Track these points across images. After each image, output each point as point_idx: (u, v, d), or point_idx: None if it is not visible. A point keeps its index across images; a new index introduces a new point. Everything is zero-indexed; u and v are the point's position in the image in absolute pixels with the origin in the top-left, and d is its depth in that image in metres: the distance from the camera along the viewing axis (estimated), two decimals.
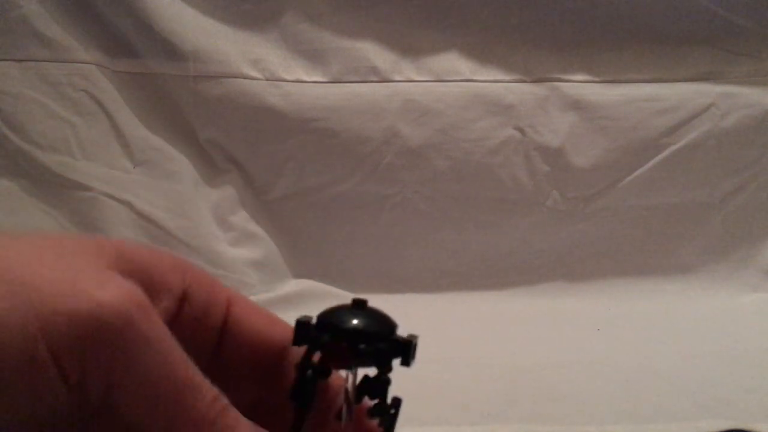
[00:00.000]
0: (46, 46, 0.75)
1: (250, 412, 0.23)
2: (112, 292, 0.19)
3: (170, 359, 0.20)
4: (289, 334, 0.24)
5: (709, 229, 0.80)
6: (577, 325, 0.69)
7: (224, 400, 0.21)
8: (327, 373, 0.24)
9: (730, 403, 0.48)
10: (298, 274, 0.79)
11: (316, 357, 0.24)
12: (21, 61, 0.75)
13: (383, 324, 0.24)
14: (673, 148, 0.78)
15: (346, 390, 0.24)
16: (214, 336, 0.26)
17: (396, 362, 0.24)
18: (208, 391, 0.21)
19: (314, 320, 0.24)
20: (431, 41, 0.78)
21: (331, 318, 0.24)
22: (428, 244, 0.79)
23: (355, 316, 0.23)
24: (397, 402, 0.25)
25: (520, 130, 0.78)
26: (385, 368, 0.24)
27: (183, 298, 0.25)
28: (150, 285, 0.23)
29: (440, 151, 0.78)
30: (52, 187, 0.74)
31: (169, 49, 0.75)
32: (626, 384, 0.51)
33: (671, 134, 0.78)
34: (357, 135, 0.77)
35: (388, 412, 0.25)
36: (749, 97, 0.78)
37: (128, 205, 0.74)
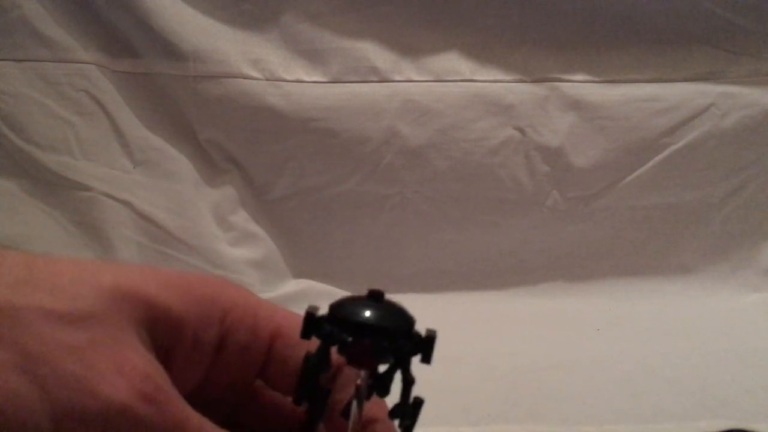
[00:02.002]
0: (46, 46, 0.75)
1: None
2: (122, 389, 0.21)
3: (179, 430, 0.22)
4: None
5: (709, 229, 0.80)
6: (577, 325, 0.69)
7: None
8: (328, 366, 0.23)
9: (730, 403, 0.48)
10: (298, 274, 0.79)
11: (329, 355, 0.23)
12: (21, 61, 0.75)
13: (403, 319, 0.22)
14: (673, 148, 0.78)
15: (358, 387, 0.23)
16: (255, 369, 0.26)
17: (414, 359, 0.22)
18: None
19: (324, 311, 0.22)
20: (431, 41, 0.78)
21: (349, 312, 0.22)
22: (428, 244, 0.79)
23: (374, 310, 0.22)
24: (418, 403, 0.23)
25: (520, 130, 0.78)
26: (406, 369, 0.22)
27: (221, 345, 0.25)
28: (181, 340, 0.24)
29: (440, 151, 0.78)
30: (52, 187, 0.74)
31: (169, 49, 0.75)
32: (626, 384, 0.51)
33: (671, 134, 0.78)
34: (357, 135, 0.77)
35: (410, 413, 0.23)
36: (749, 97, 0.78)
37: (128, 205, 0.74)
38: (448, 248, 0.79)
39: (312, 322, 0.22)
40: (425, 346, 0.22)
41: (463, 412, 0.46)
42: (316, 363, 0.22)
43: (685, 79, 0.78)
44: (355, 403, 0.23)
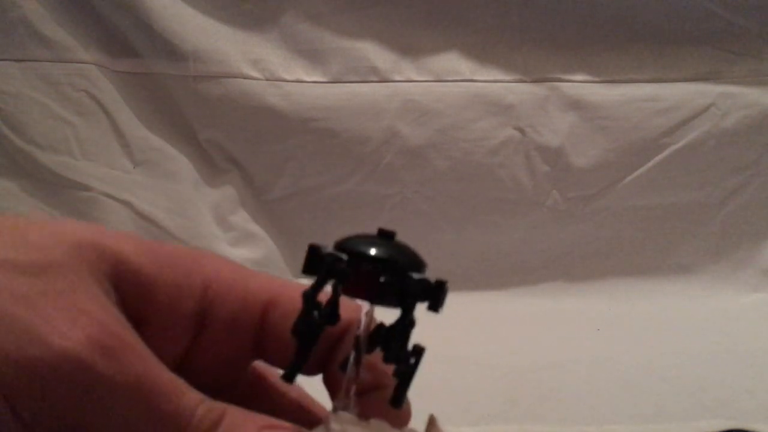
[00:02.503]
0: (46, 46, 0.75)
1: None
2: (72, 338, 0.19)
3: (141, 392, 0.20)
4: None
5: (709, 229, 0.80)
6: (577, 325, 0.69)
7: (216, 411, 0.21)
8: (335, 319, 0.21)
9: (730, 403, 0.48)
10: (298, 274, 0.79)
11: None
12: (21, 61, 0.75)
13: (413, 258, 0.21)
14: (673, 148, 0.78)
15: (357, 337, 0.21)
16: (248, 345, 0.25)
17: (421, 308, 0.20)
18: (195, 410, 0.20)
19: (329, 248, 0.21)
20: (431, 41, 0.78)
21: (352, 244, 0.21)
22: (428, 244, 0.79)
23: (381, 246, 0.20)
24: (418, 351, 0.21)
25: (520, 130, 0.78)
26: (409, 309, 0.20)
27: (204, 318, 0.24)
28: (154, 306, 0.22)
29: (440, 151, 0.78)
30: (52, 187, 0.74)
31: (169, 49, 0.75)
32: (626, 384, 0.51)
33: (671, 134, 0.78)
34: (357, 135, 0.77)
35: (407, 361, 0.21)
36: (749, 97, 0.78)
37: (128, 205, 0.74)
38: (448, 248, 0.79)
39: (316, 256, 0.20)
40: (435, 291, 0.20)
41: (463, 412, 0.46)
42: (312, 296, 0.21)
43: (685, 79, 0.78)
44: (352, 356, 0.21)
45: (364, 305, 0.21)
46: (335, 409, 0.21)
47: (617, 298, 0.77)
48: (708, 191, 0.80)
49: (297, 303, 0.21)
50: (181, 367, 0.23)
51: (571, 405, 0.47)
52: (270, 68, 0.76)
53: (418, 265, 0.21)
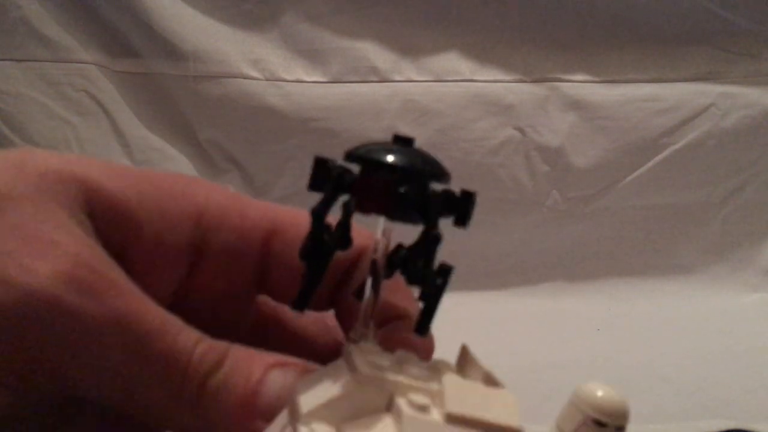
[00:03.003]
0: (46, 46, 0.75)
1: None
2: (41, 273, 0.16)
3: (125, 328, 0.17)
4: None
5: (709, 229, 0.80)
6: (577, 325, 0.69)
7: (218, 350, 0.18)
8: (347, 242, 0.18)
9: (730, 403, 0.48)
10: None
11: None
12: (21, 61, 0.75)
13: (435, 166, 0.18)
14: (673, 148, 0.78)
15: (374, 260, 0.19)
16: (249, 277, 0.22)
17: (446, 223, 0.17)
18: (193, 349, 0.18)
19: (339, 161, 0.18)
20: (431, 41, 0.78)
21: (364, 152, 0.18)
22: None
23: (398, 153, 0.17)
24: (446, 270, 0.19)
25: (520, 130, 0.78)
26: (432, 224, 0.18)
27: (199, 249, 0.21)
28: (138, 237, 0.19)
29: (440, 151, 0.76)
30: None
31: (169, 49, 0.75)
32: (626, 384, 0.51)
33: (671, 134, 0.78)
34: (357, 135, 0.76)
35: (434, 282, 0.19)
36: (749, 97, 0.78)
37: None
38: (447, 248, 0.79)
39: (323, 169, 0.18)
40: (461, 203, 0.18)
41: None
42: (321, 212, 0.18)
43: (685, 79, 0.78)
44: (370, 281, 0.19)
45: (380, 222, 0.19)
46: (352, 341, 0.19)
47: (617, 298, 0.77)
48: (708, 191, 0.80)
49: (302, 230, 0.19)
50: (175, 305, 0.20)
51: None
52: (270, 68, 0.76)
53: (441, 174, 0.18)
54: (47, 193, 0.18)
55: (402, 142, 0.18)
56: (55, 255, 0.17)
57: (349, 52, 0.77)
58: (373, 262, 0.19)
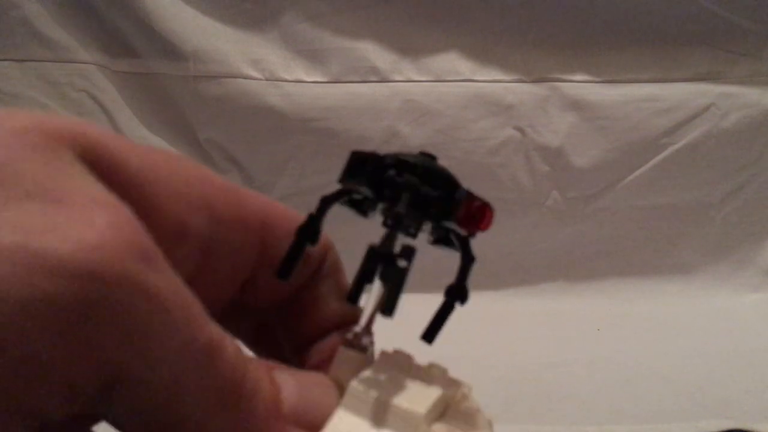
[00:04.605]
0: (46, 46, 0.75)
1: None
2: (101, 239, 0.12)
3: (187, 318, 0.14)
4: None
5: (709, 229, 0.80)
6: (577, 325, 0.69)
7: (244, 353, 0.16)
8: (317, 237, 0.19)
9: (730, 403, 0.48)
10: None
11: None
12: (21, 61, 0.75)
13: (446, 176, 0.20)
14: (673, 148, 0.78)
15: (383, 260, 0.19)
16: (246, 273, 0.20)
17: None
18: (229, 347, 0.15)
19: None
20: (431, 41, 0.78)
21: (424, 163, 0.19)
22: (428, 243, 0.79)
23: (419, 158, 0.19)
24: (409, 251, 0.20)
25: (520, 130, 0.78)
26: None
27: (210, 241, 0.18)
28: (152, 211, 0.16)
29: (440, 151, 0.77)
30: None
31: (169, 49, 0.75)
32: (626, 384, 0.51)
33: (671, 134, 0.78)
34: (357, 135, 0.76)
35: (395, 263, 0.19)
36: (749, 97, 0.78)
37: None
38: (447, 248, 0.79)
39: (359, 162, 0.19)
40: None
41: None
42: (331, 201, 0.19)
43: (685, 79, 0.78)
44: (376, 285, 0.19)
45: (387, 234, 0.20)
46: (349, 344, 0.20)
47: (617, 298, 0.77)
48: (708, 191, 0.80)
49: (293, 225, 0.20)
50: None
51: (571, 405, 0.47)
52: (270, 68, 0.76)
53: (451, 182, 0.20)
54: (49, 147, 0.14)
55: (429, 156, 0.20)
56: (110, 216, 0.13)
57: (349, 52, 0.77)
58: (388, 257, 0.19)
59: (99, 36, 0.76)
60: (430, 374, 0.19)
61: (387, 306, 0.19)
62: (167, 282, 0.14)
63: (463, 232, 0.21)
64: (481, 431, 0.19)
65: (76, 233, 0.12)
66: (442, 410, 0.18)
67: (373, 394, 0.17)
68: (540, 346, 0.61)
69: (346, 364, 0.19)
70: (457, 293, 0.21)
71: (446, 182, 0.20)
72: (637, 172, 0.79)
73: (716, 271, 0.80)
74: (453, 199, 0.20)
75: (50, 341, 0.12)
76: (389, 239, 0.19)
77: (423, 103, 0.77)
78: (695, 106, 0.78)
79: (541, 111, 0.78)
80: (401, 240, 0.20)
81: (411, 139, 0.77)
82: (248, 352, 0.19)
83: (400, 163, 0.20)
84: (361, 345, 0.20)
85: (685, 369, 0.54)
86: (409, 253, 0.20)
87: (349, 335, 0.20)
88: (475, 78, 0.78)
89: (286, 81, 0.76)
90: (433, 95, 0.77)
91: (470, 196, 0.21)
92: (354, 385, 0.18)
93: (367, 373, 0.18)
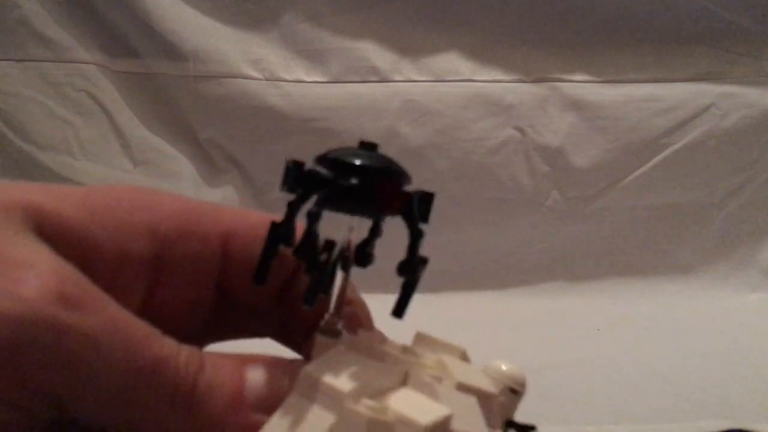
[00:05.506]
0: (46, 46, 0.75)
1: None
2: (28, 294, 0.16)
3: (122, 340, 0.17)
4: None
5: (709, 229, 0.80)
6: (577, 325, 0.69)
7: (197, 355, 0.19)
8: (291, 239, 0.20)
9: (730, 403, 0.48)
10: None
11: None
12: (21, 61, 0.75)
13: (391, 164, 0.20)
14: (673, 148, 0.78)
15: (346, 255, 0.21)
16: (212, 281, 0.23)
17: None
18: (181, 357, 0.18)
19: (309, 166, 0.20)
20: (431, 41, 0.78)
21: (348, 157, 0.20)
22: (428, 244, 0.79)
23: (375, 158, 0.20)
24: (424, 261, 0.21)
25: (520, 130, 0.78)
26: (415, 221, 0.20)
27: (160, 259, 0.21)
28: (96, 255, 0.19)
29: (440, 151, 0.78)
30: None
31: (169, 49, 0.75)
32: (626, 384, 0.51)
33: (671, 134, 0.78)
34: (357, 135, 0.76)
35: (416, 271, 0.20)
36: (749, 97, 0.78)
37: None
38: (447, 248, 0.79)
39: (297, 171, 0.20)
40: (422, 202, 0.20)
41: None
42: (295, 207, 0.20)
43: (685, 79, 0.78)
44: (340, 273, 0.21)
45: (353, 221, 0.21)
46: (323, 331, 0.21)
47: (617, 298, 0.77)
48: (708, 191, 0.80)
49: (256, 232, 0.20)
50: (142, 317, 0.19)
51: (571, 405, 0.47)
52: (270, 68, 0.76)
53: (395, 172, 0.20)
54: (8, 219, 0.17)
55: (368, 146, 0.20)
56: (37, 275, 0.16)
57: (349, 52, 0.77)
58: (344, 252, 0.21)
59: (99, 36, 0.76)
60: (389, 353, 0.20)
61: (400, 309, 0.20)
62: (98, 319, 0.17)
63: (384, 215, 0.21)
64: (434, 401, 0.19)
65: (8, 289, 0.16)
66: (399, 382, 0.19)
67: (318, 375, 0.18)
68: (540, 346, 0.61)
69: (323, 350, 0.20)
70: (407, 268, 0.21)
71: (362, 172, 0.20)
72: (637, 172, 0.79)
73: (716, 271, 0.80)
74: (369, 189, 0.20)
75: None
76: (308, 238, 0.20)
77: (423, 103, 0.77)
78: (695, 106, 0.78)
79: (541, 111, 0.78)
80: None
81: (411, 139, 0.77)
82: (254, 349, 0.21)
83: (319, 159, 0.21)
84: (334, 330, 0.21)
85: (685, 369, 0.54)
86: (424, 262, 0.21)
87: (322, 322, 0.21)
88: (475, 78, 0.78)
89: (286, 81, 0.76)
90: (433, 95, 0.77)
91: (384, 178, 0.20)
92: (306, 369, 0.19)
93: (323, 357, 0.19)
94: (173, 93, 0.77)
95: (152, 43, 0.75)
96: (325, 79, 0.77)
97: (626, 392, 0.50)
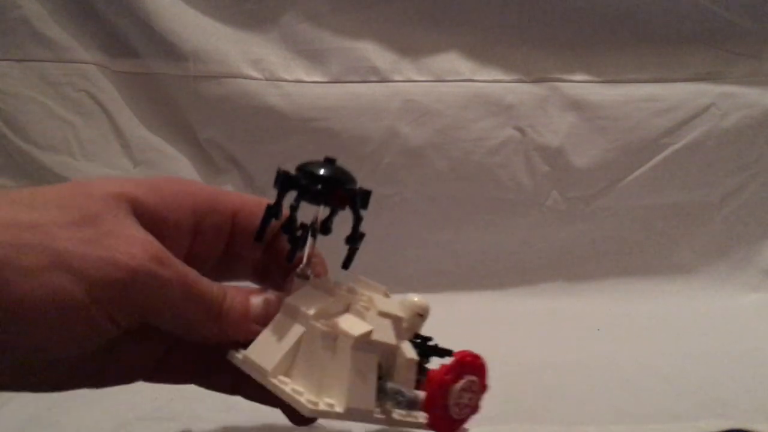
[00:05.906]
0: (46, 46, 0.75)
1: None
2: (137, 256, 0.27)
3: (186, 284, 0.29)
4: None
5: (709, 229, 0.80)
6: (577, 325, 0.69)
7: (227, 288, 0.31)
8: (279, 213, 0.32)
9: (730, 403, 0.47)
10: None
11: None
12: (21, 61, 0.75)
13: (352, 177, 0.32)
14: (673, 148, 0.78)
15: (314, 225, 0.32)
16: (225, 242, 0.34)
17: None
18: (214, 287, 0.30)
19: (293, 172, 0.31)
20: (431, 41, 0.78)
21: (316, 168, 0.31)
22: (428, 244, 0.79)
23: (334, 170, 0.31)
24: (365, 194, 0.32)
25: (520, 130, 0.78)
26: (358, 211, 0.32)
27: (197, 228, 0.33)
28: (164, 227, 0.31)
29: (440, 151, 0.78)
30: None
31: (169, 49, 0.75)
32: (626, 384, 0.51)
33: (671, 134, 0.78)
34: (357, 135, 0.77)
35: (358, 237, 0.33)
36: (749, 97, 0.78)
37: None
38: (447, 248, 0.79)
39: (285, 179, 0.31)
40: (363, 196, 0.32)
41: None
42: (281, 197, 0.31)
43: (685, 79, 0.78)
44: (309, 239, 0.32)
45: (321, 209, 0.32)
46: (298, 275, 0.32)
47: (617, 298, 0.77)
48: (708, 191, 0.80)
49: (257, 210, 0.32)
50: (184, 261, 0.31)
51: (571, 405, 0.47)
52: (270, 68, 0.76)
53: (355, 181, 0.32)
54: (115, 209, 0.28)
55: (329, 161, 0.32)
56: (141, 244, 0.28)
57: (349, 52, 0.77)
58: (313, 226, 0.32)
59: (99, 36, 0.76)
60: (338, 291, 0.32)
61: (348, 262, 0.35)
62: (172, 270, 0.29)
63: (340, 208, 0.32)
64: (363, 322, 0.30)
65: (126, 251, 0.27)
66: (344, 309, 0.31)
67: (295, 303, 0.31)
68: (540, 346, 0.61)
69: (298, 287, 0.32)
70: (351, 240, 0.33)
71: (324, 180, 0.31)
72: (637, 172, 0.79)
73: (716, 271, 0.80)
74: (329, 191, 0.31)
75: (110, 295, 0.27)
76: (290, 221, 0.32)
77: (423, 103, 0.77)
78: (695, 106, 0.78)
79: (541, 111, 0.78)
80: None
81: (411, 139, 0.77)
82: (250, 285, 0.34)
83: (298, 168, 0.32)
84: (305, 275, 0.32)
85: (685, 369, 0.54)
86: (365, 195, 0.32)
87: (298, 270, 0.32)
88: (475, 78, 0.78)
89: (286, 81, 0.76)
90: (433, 95, 0.77)
91: (338, 184, 0.31)
92: (288, 299, 0.31)
93: (298, 293, 0.31)
94: (173, 93, 0.77)
95: (152, 43, 0.75)
96: (325, 79, 0.77)
97: (626, 392, 0.50)
